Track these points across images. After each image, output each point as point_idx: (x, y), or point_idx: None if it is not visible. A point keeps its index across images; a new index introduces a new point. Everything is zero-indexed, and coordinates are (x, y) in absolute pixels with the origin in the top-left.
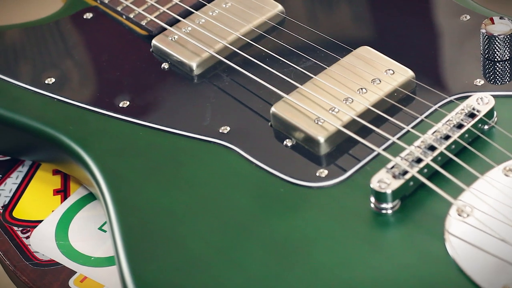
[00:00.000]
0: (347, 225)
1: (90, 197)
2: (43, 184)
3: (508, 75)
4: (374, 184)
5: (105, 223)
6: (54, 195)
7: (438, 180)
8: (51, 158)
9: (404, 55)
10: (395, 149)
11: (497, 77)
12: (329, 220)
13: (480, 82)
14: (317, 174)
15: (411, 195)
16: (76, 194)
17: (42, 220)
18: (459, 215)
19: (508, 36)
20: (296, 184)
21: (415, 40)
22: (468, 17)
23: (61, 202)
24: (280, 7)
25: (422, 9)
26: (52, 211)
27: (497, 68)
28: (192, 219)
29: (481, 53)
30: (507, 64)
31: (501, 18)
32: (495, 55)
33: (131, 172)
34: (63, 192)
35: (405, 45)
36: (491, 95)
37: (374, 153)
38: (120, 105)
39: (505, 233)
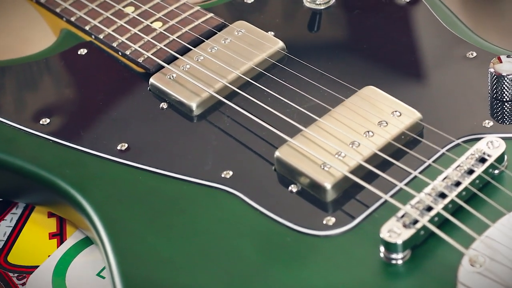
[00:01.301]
0: (356, 276)
1: (87, 241)
2: (39, 227)
3: None
4: (384, 234)
5: (103, 268)
6: (50, 238)
7: (449, 228)
8: (47, 201)
9: (409, 94)
10: (403, 195)
11: (506, 118)
12: (337, 271)
13: (489, 123)
14: (324, 222)
15: (421, 244)
16: (72, 238)
17: (38, 266)
18: (472, 265)
19: None
20: (302, 233)
21: (419, 78)
22: (475, 54)
23: (58, 247)
24: (281, 44)
25: (427, 46)
26: (48, 256)
27: (506, 108)
28: (194, 268)
29: (489, 93)
30: None
31: (508, 56)
32: (504, 95)
33: (130, 218)
34: (59, 236)
35: (410, 83)
36: (501, 137)
37: (383, 199)
38: (118, 147)
39: None
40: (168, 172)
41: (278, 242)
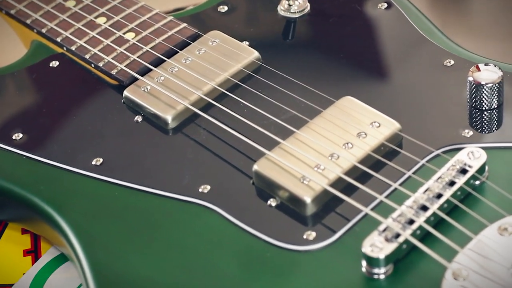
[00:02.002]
0: None
1: (63, 258)
2: (12, 245)
3: (496, 125)
4: (366, 248)
5: (80, 286)
6: (24, 256)
7: (431, 241)
8: (20, 217)
9: (387, 104)
10: (384, 208)
11: (485, 127)
12: (319, 287)
13: (468, 133)
14: (305, 237)
15: (404, 257)
16: (47, 254)
17: (13, 284)
18: (455, 278)
19: (496, 85)
20: (282, 248)
21: (397, 87)
22: (452, 62)
23: (32, 264)
24: (256, 54)
25: (404, 54)
26: (23, 273)
27: (485, 117)
28: (172, 285)
29: (468, 101)
30: (495, 113)
31: (486, 64)
32: (483, 103)
33: (107, 235)
34: (34, 253)
35: (388, 92)
36: (481, 147)
37: (363, 212)
38: (93, 162)
39: None
40: (145, 187)
41: (258, 258)
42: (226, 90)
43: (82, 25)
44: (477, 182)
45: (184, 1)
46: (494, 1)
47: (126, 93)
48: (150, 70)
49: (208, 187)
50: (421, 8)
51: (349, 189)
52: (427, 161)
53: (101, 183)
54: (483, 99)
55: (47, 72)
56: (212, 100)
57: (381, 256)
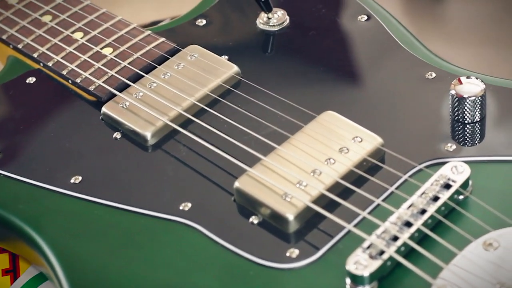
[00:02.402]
0: None
1: (42, 277)
2: None
3: (479, 138)
4: (350, 266)
5: None
6: (2, 275)
7: (416, 257)
8: None
9: (369, 118)
10: (368, 224)
11: (468, 141)
12: None
13: (451, 147)
14: (288, 254)
15: (388, 274)
16: (26, 274)
17: None
18: None
19: (478, 98)
20: (265, 266)
21: (379, 101)
22: (434, 74)
23: (11, 283)
24: (236, 69)
25: (385, 67)
26: None
27: (467, 131)
28: None
29: (450, 115)
30: (478, 126)
31: (468, 77)
32: (465, 117)
33: (87, 254)
34: (13, 272)
35: (369, 106)
36: (464, 161)
37: (347, 229)
38: (72, 181)
39: None
40: (125, 206)
41: (241, 276)
42: (206, 106)
43: (59, 41)
44: (461, 197)
45: (161, 14)
46: (470, 5)
47: (104, 109)
48: (129, 86)
49: (189, 205)
50: (396, 14)
51: (332, 206)
52: (410, 176)
53: (80, 201)
54: (466, 112)
55: (23, 88)
56: (192, 116)
57: (366, 273)
